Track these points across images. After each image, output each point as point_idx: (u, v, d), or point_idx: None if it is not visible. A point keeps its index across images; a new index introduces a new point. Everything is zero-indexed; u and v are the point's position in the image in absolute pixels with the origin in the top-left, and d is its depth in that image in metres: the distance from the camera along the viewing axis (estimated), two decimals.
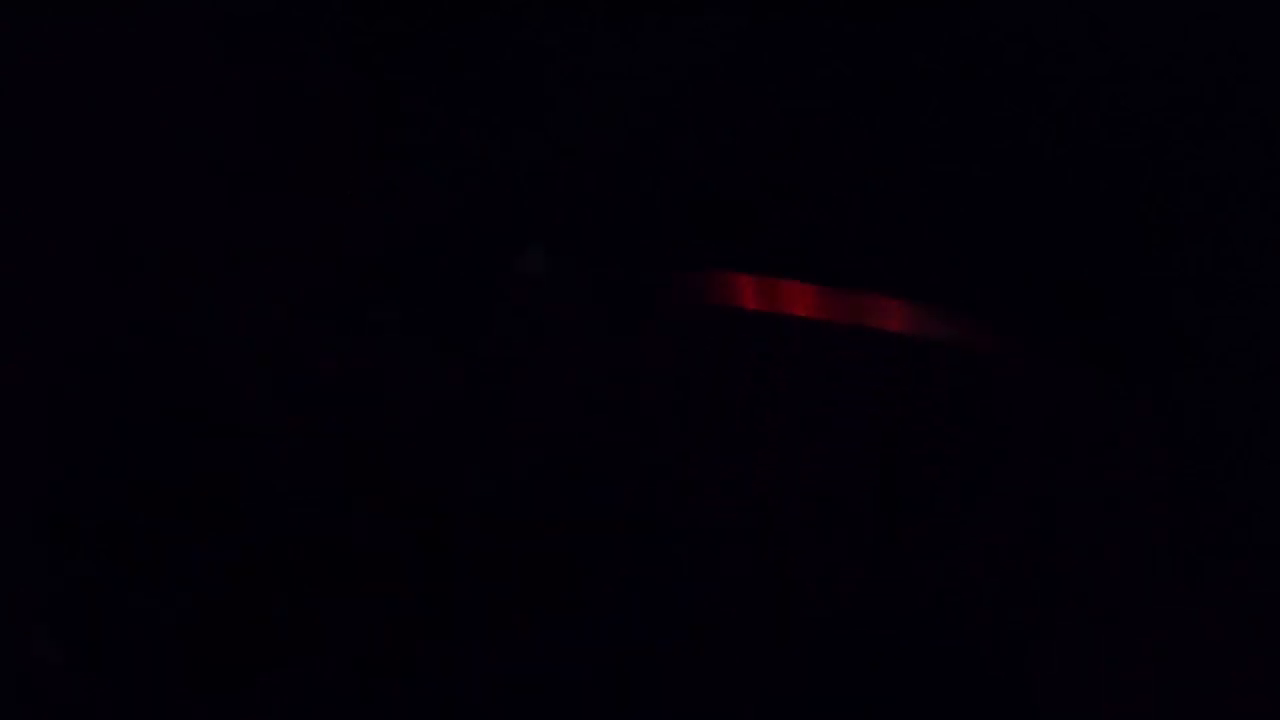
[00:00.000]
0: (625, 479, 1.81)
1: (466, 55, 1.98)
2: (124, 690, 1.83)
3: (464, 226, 1.88)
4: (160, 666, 1.84)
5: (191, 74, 1.97)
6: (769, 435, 1.76)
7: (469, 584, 1.83)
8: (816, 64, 1.87)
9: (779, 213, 1.84)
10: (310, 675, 1.82)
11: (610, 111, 1.85)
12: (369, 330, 1.96)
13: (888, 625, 1.64)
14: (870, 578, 1.66)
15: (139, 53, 1.96)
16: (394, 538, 1.88)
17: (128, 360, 1.97)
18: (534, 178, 1.86)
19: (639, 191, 1.87)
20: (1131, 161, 1.72)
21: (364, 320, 1.97)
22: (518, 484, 1.85)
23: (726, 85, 1.89)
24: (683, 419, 1.80)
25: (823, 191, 1.86)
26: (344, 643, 1.83)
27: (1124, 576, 1.56)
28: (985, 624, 1.60)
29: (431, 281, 1.94)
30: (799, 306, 1.80)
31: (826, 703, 1.64)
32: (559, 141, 1.87)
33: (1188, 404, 1.54)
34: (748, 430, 1.77)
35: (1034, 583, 1.59)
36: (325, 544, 1.89)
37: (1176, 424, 1.54)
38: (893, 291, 1.78)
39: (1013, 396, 1.65)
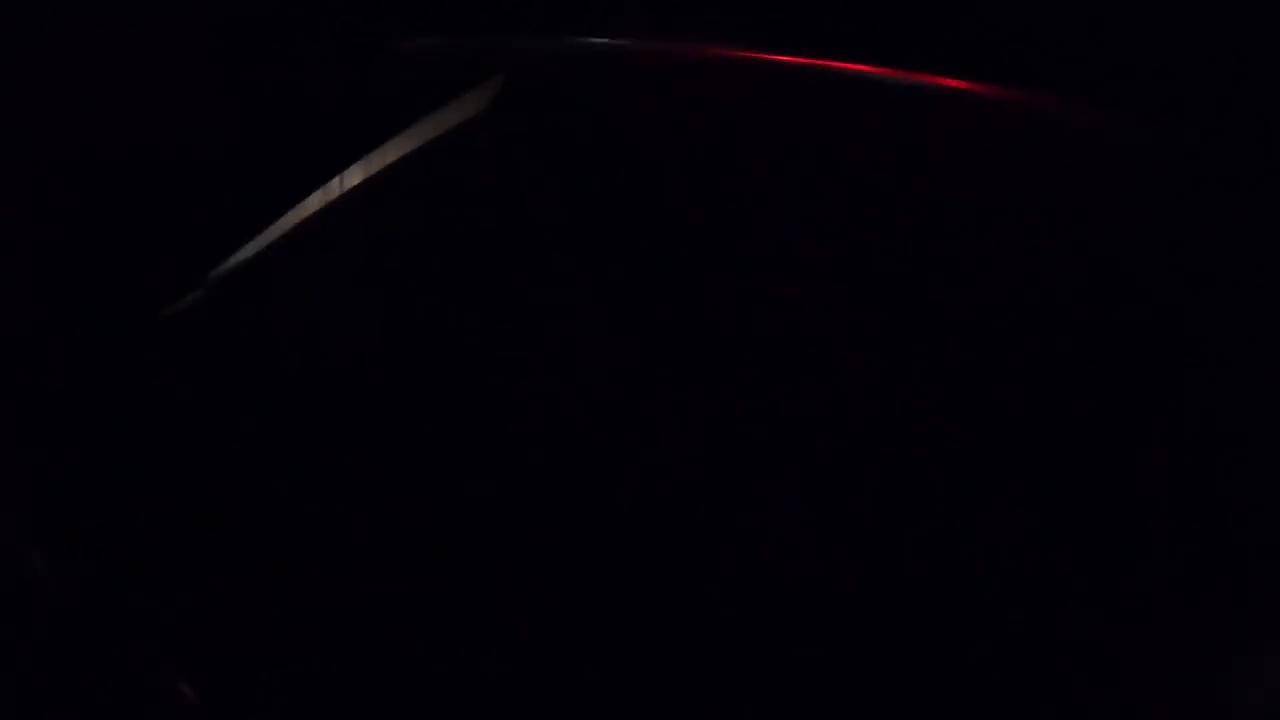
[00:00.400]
0: (625, 479, 1.81)
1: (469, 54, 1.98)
2: (123, 687, 1.83)
3: None
4: (160, 666, 1.84)
5: (191, 74, 1.97)
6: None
7: (469, 584, 1.83)
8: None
9: None
10: (310, 675, 1.82)
11: None
12: (370, 328, 1.96)
13: (888, 625, 1.64)
14: (870, 578, 1.66)
15: (139, 53, 1.97)
16: (394, 538, 1.88)
17: (127, 358, 1.97)
18: None
19: None
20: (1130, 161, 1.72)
21: (364, 318, 1.97)
22: (518, 484, 1.85)
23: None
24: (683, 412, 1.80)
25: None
26: (344, 643, 1.83)
27: (1123, 576, 1.56)
28: (985, 624, 1.60)
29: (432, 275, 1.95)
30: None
31: (826, 703, 1.64)
32: None
33: (1188, 404, 1.54)
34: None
35: (1034, 582, 1.59)
36: (325, 544, 1.89)
37: (1176, 424, 1.54)
38: None
39: (1012, 393, 1.65)
